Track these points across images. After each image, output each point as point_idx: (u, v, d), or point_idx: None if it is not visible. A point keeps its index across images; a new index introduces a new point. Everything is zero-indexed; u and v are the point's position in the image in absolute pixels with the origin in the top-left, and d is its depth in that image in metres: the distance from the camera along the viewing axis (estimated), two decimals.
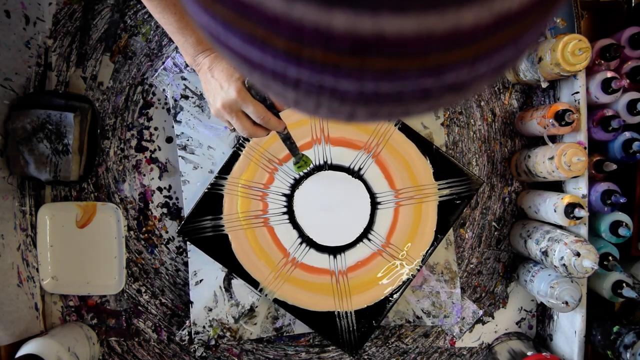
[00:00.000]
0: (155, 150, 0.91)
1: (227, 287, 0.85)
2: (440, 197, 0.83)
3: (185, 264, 0.90)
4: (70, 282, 0.89)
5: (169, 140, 0.91)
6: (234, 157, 0.82)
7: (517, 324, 0.93)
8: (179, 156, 0.86)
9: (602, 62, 0.82)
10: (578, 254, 0.73)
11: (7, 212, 0.83)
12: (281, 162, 0.83)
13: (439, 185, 0.83)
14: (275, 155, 0.83)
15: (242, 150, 0.82)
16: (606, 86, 0.79)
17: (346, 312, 0.82)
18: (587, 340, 0.81)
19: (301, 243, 0.83)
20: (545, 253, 0.79)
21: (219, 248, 0.82)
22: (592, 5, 0.90)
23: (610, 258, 0.78)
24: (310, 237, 0.83)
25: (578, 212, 0.75)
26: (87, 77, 0.91)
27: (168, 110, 0.90)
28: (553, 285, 0.78)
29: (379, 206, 0.83)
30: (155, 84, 0.84)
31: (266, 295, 0.82)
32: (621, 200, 0.77)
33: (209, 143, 0.85)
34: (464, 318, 0.88)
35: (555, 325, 0.87)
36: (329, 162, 0.83)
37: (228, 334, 0.86)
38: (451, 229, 0.85)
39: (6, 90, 0.82)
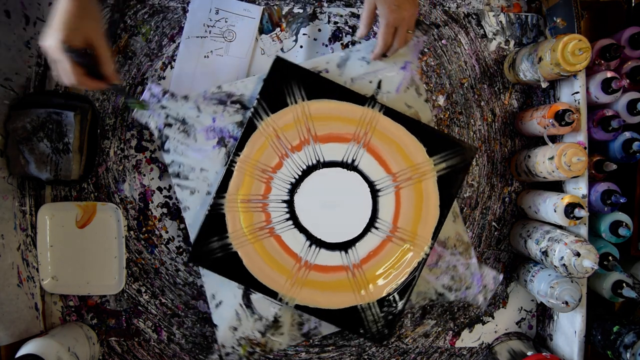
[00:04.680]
0: (155, 150, 0.91)
1: (247, 304, 0.85)
2: (437, 172, 0.83)
3: (185, 264, 0.90)
4: (70, 282, 0.89)
5: None
6: (227, 175, 0.82)
7: (517, 324, 0.93)
8: (174, 184, 0.85)
9: (602, 62, 0.82)
10: (578, 254, 0.73)
11: (7, 212, 0.83)
12: (275, 170, 0.83)
13: (434, 161, 0.83)
14: (267, 165, 0.83)
15: (234, 166, 0.82)
16: (606, 86, 0.79)
17: (368, 304, 0.82)
18: (587, 340, 0.81)
19: (310, 245, 0.83)
20: (545, 253, 0.79)
21: (232, 267, 0.82)
22: (592, 5, 0.90)
23: (610, 258, 0.78)
24: (319, 237, 0.83)
25: (578, 212, 0.75)
26: None
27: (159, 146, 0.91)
28: (553, 285, 0.78)
29: (380, 193, 0.83)
30: (137, 118, 0.83)
31: (286, 303, 0.82)
32: (621, 200, 0.77)
33: (201, 165, 0.85)
34: (485, 286, 0.86)
35: (555, 325, 0.87)
36: (321, 160, 0.83)
37: (258, 349, 0.85)
38: (455, 201, 0.85)
39: (6, 90, 0.82)
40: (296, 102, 0.82)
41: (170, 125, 0.83)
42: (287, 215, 0.83)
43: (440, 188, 0.83)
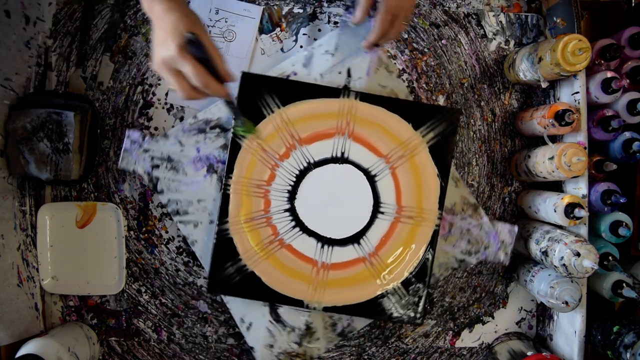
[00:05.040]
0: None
1: (277, 318, 0.85)
2: (427, 143, 0.83)
3: (186, 264, 0.90)
4: (70, 282, 0.89)
5: None
6: (225, 200, 0.82)
7: (517, 324, 0.93)
8: (176, 222, 0.85)
9: (602, 62, 0.82)
10: (578, 254, 0.73)
11: (7, 212, 0.83)
12: (269, 182, 0.83)
13: (421, 133, 0.83)
14: (261, 179, 0.83)
15: (229, 189, 0.82)
16: (606, 86, 0.79)
17: (394, 288, 0.82)
18: (587, 340, 0.81)
19: (322, 246, 0.83)
20: (545, 253, 0.79)
21: (252, 287, 0.82)
22: (592, 5, 0.90)
23: (610, 258, 0.78)
24: (328, 236, 0.83)
25: (578, 212, 0.75)
26: (87, 77, 0.91)
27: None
28: (553, 285, 0.78)
29: (376, 178, 0.83)
30: (123, 167, 0.83)
31: (314, 308, 0.82)
32: (621, 200, 0.77)
33: (197, 197, 0.85)
34: (503, 241, 0.85)
35: (555, 325, 0.87)
36: (311, 161, 0.83)
37: (297, 359, 0.86)
38: (452, 167, 0.85)
39: (6, 90, 0.82)
40: (273, 112, 0.82)
41: (157, 166, 0.83)
42: (293, 223, 0.83)
43: (434, 158, 0.83)
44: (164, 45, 0.58)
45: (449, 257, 0.86)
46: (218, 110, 0.84)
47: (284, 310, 0.85)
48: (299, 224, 0.83)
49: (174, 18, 0.57)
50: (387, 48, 0.92)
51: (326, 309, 0.82)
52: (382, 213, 0.83)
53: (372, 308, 0.82)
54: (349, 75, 0.86)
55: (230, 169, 0.82)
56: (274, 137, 0.82)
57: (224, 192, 0.82)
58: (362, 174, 0.83)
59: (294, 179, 0.83)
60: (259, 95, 0.82)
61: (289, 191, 0.83)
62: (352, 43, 0.86)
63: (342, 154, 0.83)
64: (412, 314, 0.83)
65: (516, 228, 0.85)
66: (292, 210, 0.83)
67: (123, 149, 0.82)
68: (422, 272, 0.83)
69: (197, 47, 0.56)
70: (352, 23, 0.83)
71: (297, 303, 0.82)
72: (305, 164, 0.83)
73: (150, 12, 0.61)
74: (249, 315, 0.85)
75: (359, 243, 0.83)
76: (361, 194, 0.83)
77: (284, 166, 0.83)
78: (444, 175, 0.83)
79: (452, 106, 0.89)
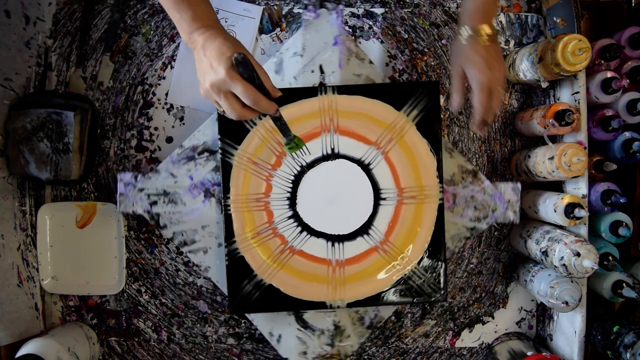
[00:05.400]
0: (155, 150, 0.91)
1: (304, 325, 0.85)
2: (413, 120, 0.83)
3: (186, 264, 0.90)
4: (70, 282, 0.89)
5: (169, 140, 0.91)
6: (228, 220, 0.82)
7: (517, 324, 0.93)
8: (186, 253, 0.85)
9: (602, 62, 0.82)
10: (578, 254, 0.73)
11: (7, 212, 0.83)
12: (267, 194, 0.83)
13: (405, 112, 0.83)
14: (258, 193, 0.82)
15: (230, 209, 0.82)
16: (606, 86, 0.79)
17: (412, 270, 0.82)
18: (587, 340, 0.81)
19: (333, 244, 0.83)
20: (545, 253, 0.79)
21: (273, 299, 0.82)
22: (592, 5, 0.90)
23: (610, 258, 0.78)
24: (336, 233, 0.83)
25: (578, 212, 0.75)
26: (87, 77, 0.91)
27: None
28: (553, 285, 0.78)
29: (371, 166, 0.83)
30: (122, 210, 0.83)
31: (338, 307, 0.82)
32: (621, 200, 0.77)
33: (200, 223, 0.85)
34: (509, 200, 0.85)
35: (555, 325, 0.87)
36: (304, 164, 0.83)
37: None
38: (444, 137, 0.84)
39: (6, 90, 0.82)
40: (255, 124, 0.82)
41: (155, 202, 0.83)
42: (299, 229, 0.83)
43: (423, 133, 0.83)
44: (211, 71, 0.60)
45: (460, 228, 0.85)
46: (202, 135, 0.84)
47: (309, 315, 0.85)
48: (305, 228, 0.83)
49: (218, 44, 0.60)
50: (387, 48, 0.92)
51: (350, 305, 0.82)
52: (384, 199, 0.83)
53: (394, 294, 0.82)
54: (322, 71, 0.86)
55: (226, 189, 0.82)
56: (262, 148, 0.82)
57: (225, 213, 0.82)
58: (356, 165, 0.83)
59: (291, 185, 0.83)
60: None
61: (288, 198, 0.83)
62: (318, 40, 0.86)
63: (333, 149, 0.83)
64: (435, 292, 0.83)
65: (519, 185, 0.85)
66: (295, 216, 0.83)
67: (118, 193, 0.82)
68: (436, 248, 0.82)
69: (245, 66, 0.58)
70: (454, 110, 0.82)
71: (320, 305, 0.82)
72: (299, 168, 0.83)
73: (191, 43, 0.63)
74: (277, 327, 0.85)
75: (367, 233, 0.83)
76: (360, 185, 0.83)
77: (278, 175, 0.83)
78: (436, 148, 0.83)
79: (427, 77, 0.89)
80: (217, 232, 0.84)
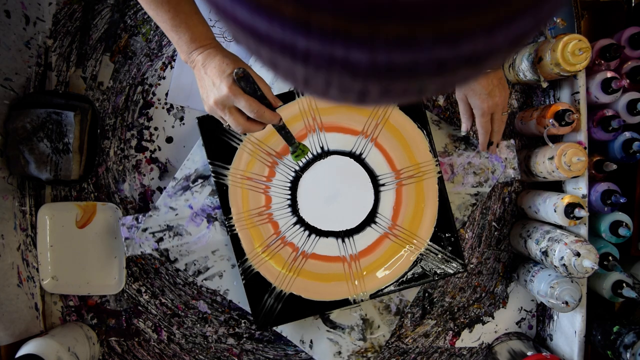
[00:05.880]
0: (155, 150, 0.91)
1: (333, 325, 0.85)
2: None
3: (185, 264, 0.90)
4: (70, 282, 0.89)
5: (169, 140, 0.91)
6: (235, 240, 0.82)
7: (517, 324, 0.93)
8: (201, 281, 0.85)
9: (602, 62, 0.82)
10: (578, 254, 0.73)
11: (7, 212, 0.83)
12: (267, 206, 0.83)
13: None
14: (259, 207, 0.82)
15: (235, 229, 0.82)
16: (606, 86, 0.79)
17: (426, 249, 0.82)
18: (587, 340, 0.81)
19: (343, 240, 0.83)
20: (545, 253, 0.79)
21: (296, 307, 0.82)
22: (592, 5, 0.90)
23: (610, 258, 0.78)
24: (344, 229, 0.83)
25: (578, 212, 0.75)
26: (87, 77, 0.91)
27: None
28: (553, 285, 0.78)
29: (362, 155, 0.83)
30: (131, 254, 0.84)
31: (362, 300, 0.82)
32: (621, 200, 0.77)
33: (210, 249, 0.85)
34: (506, 158, 0.85)
35: (555, 325, 0.87)
36: (297, 168, 0.83)
37: (369, 353, 0.86)
38: (426, 112, 0.84)
39: (6, 90, 0.82)
40: (241, 141, 0.82)
41: (161, 239, 0.84)
42: (307, 232, 0.83)
43: (406, 112, 0.83)
44: (213, 89, 0.61)
45: (464, 196, 0.86)
46: (192, 163, 0.85)
47: (335, 315, 0.85)
48: (312, 230, 0.83)
49: (217, 62, 0.61)
50: None
51: (373, 296, 0.82)
52: (383, 185, 0.83)
53: (414, 276, 0.82)
54: None
55: (227, 210, 0.82)
56: (253, 162, 0.82)
57: (231, 233, 0.82)
58: (348, 158, 0.83)
59: (289, 192, 0.83)
60: (221, 131, 0.82)
61: (289, 205, 0.83)
62: None
63: (322, 148, 0.83)
64: (455, 265, 0.83)
65: (512, 141, 0.85)
66: (300, 221, 0.83)
67: (123, 238, 0.83)
68: (445, 221, 0.82)
69: (246, 81, 0.59)
70: (463, 132, 0.82)
71: (344, 303, 0.82)
72: (294, 174, 0.83)
73: (191, 62, 0.64)
74: (307, 334, 0.86)
75: (375, 222, 0.83)
76: (356, 177, 0.83)
77: (275, 185, 0.83)
78: (423, 123, 0.83)
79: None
80: (228, 254, 0.85)
